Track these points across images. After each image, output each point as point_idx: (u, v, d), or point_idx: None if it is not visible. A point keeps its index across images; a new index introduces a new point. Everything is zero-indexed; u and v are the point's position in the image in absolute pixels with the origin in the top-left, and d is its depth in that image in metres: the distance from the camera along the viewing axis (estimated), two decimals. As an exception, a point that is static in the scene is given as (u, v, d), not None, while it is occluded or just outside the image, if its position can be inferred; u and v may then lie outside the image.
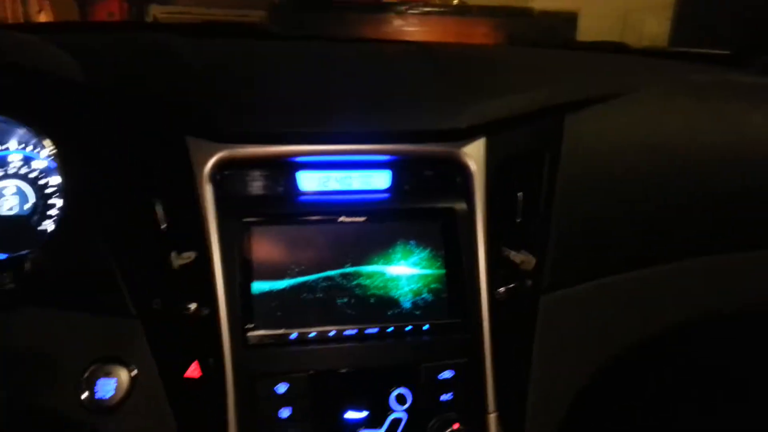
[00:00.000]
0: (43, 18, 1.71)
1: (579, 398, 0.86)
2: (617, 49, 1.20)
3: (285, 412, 0.73)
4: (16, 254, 0.66)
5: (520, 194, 0.84)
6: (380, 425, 0.76)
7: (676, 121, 0.93)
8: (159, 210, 0.73)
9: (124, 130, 0.77)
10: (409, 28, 1.28)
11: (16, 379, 0.70)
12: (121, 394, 0.71)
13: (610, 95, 0.90)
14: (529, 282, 0.83)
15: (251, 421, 0.72)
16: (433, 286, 0.79)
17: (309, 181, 0.81)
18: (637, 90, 0.92)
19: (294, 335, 0.75)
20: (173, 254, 0.72)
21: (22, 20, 1.66)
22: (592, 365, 0.88)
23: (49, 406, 0.71)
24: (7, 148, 0.85)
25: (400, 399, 0.76)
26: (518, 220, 0.84)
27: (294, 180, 0.81)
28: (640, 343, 0.91)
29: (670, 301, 0.92)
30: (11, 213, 0.84)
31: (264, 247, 0.76)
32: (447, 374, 0.78)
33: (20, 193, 0.85)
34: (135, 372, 0.72)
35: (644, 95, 0.92)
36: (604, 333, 0.88)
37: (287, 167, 0.80)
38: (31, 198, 0.84)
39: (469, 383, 0.78)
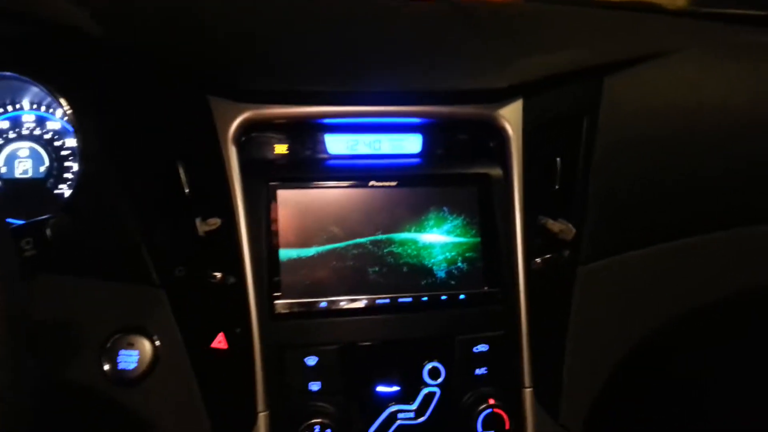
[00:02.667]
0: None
1: (615, 374, 0.83)
2: (653, 9, 1.14)
3: (315, 386, 0.71)
4: (34, 220, 0.63)
5: (558, 159, 0.80)
6: (413, 400, 0.73)
7: (716, 82, 0.88)
8: (182, 173, 0.70)
9: (144, 89, 0.73)
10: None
11: (37, 349, 0.67)
12: (144, 365, 0.68)
13: (650, 56, 0.85)
14: (567, 252, 0.79)
15: (280, 394, 0.70)
16: (467, 254, 0.75)
17: (337, 144, 0.78)
18: (676, 51, 0.87)
19: (323, 305, 0.72)
20: (198, 220, 0.68)
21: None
22: (629, 340, 0.85)
23: (70, 377, 0.68)
24: (20, 108, 0.82)
25: (434, 373, 0.74)
26: (556, 187, 0.80)
27: (322, 143, 0.77)
28: (677, 318, 0.87)
29: (711, 273, 0.88)
30: (26, 176, 0.81)
31: (291, 213, 0.73)
32: (482, 347, 0.75)
33: (35, 155, 0.82)
34: (158, 343, 0.69)
35: (683, 56, 0.88)
36: (642, 306, 0.85)
37: (315, 129, 0.77)
38: (46, 161, 0.81)
39: (504, 357, 0.75)
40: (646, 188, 0.83)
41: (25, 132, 0.82)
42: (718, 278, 0.88)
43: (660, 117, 0.84)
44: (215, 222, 0.70)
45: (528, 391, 0.76)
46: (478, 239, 0.76)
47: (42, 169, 0.81)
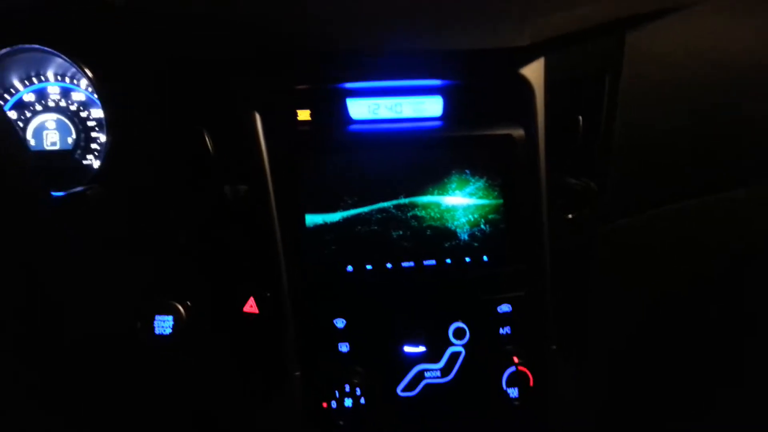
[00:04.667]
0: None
1: (638, 332, 0.84)
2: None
3: (344, 347, 0.73)
4: (72, 191, 0.64)
5: (580, 118, 0.79)
6: (439, 359, 0.75)
7: (739, 32, 0.86)
8: (208, 141, 0.71)
9: (167, 58, 0.73)
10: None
11: (78, 316, 0.70)
12: (179, 330, 0.70)
13: (672, 9, 0.83)
14: (590, 210, 0.79)
15: (311, 356, 0.72)
16: (490, 216, 0.76)
17: (359, 109, 0.78)
18: (701, 2, 0.85)
19: (350, 269, 0.74)
20: (227, 187, 0.70)
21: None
22: (652, 298, 0.85)
23: (109, 342, 0.71)
24: (45, 80, 0.83)
25: (459, 333, 0.75)
26: (579, 146, 0.79)
27: (344, 107, 0.77)
28: (700, 276, 0.87)
29: (733, 230, 0.88)
30: (54, 148, 0.83)
31: (316, 179, 0.74)
32: (506, 307, 0.76)
33: (61, 127, 0.83)
34: (192, 308, 0.71)
35: (708, 7, 0.85)
36: (665, 264, 0.85)
37: (336, 94, 0.76)
38: (73, 132, 0.82)
39: (528, 317, 0.76)
40: (668, 145, 0.82)
41: (51, 104, 0.83)
42: (739, 236, 0.88)
43: (683, 71, 0.83)
44: (243, 188, 0.71)
45: (552, 349, 0.77)
46: (501, 201, 0.76)
47: (69, 140, 0.83)
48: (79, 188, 0.64)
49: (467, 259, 0.76)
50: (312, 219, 0.73)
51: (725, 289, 0.91)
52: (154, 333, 0.70)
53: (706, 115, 0.83)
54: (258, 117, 0.71)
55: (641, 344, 0.85)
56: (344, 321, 0.73)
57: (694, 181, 0.84)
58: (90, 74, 0.73)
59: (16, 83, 0.82)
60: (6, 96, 0.82)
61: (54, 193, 0.67)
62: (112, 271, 0.71)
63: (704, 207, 0.85)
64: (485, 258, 0.76)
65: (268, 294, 0.71)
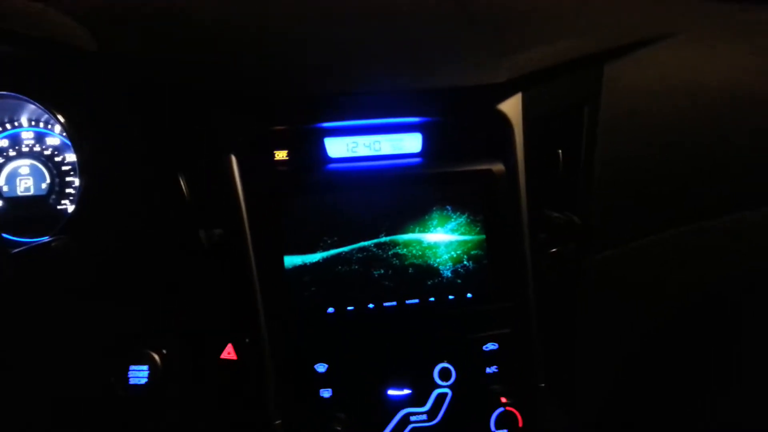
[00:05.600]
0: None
1: (628, 367, 0.82)
2: (650, -9, 1.13)
3: (326, 393, 0.71)
4: (36, 242, 0.63)
5: (560, 152, 0.79)
6: (425, 402, 0.73)
7: (717, 62, 0.87)
8: (183, 185, 0.69)
9: (141, 102, 0.72)
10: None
11: (48, 369, 0.68)
12: (154, 379, 0.68)
13: (649, 40, 0.84)
14: (574, 244, 0.78)
15: (292, 403, 0.70)
16: (473, 252, 0.75)
17: (337, 147, 0.77)
18: (678, 33, 0.86)
19: (330, 310, 0.72)
20: (201, 231, 0.68)
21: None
22: (640, 331, 0.84)
23: (82, 394, 0.69)
24: (18, 126, 0.82)
25: (444, 374, 0.73)
26: (559, 179, 0.79)
27: (321, 146, 0.76)
28: (687, 307, 0.86)
29: (718, 259, 0.87)
30: (28, 194, 0.81)
31: (294, 219, 0.72)
32: (492, 346, 0.74)
33: (35, 172, 0.81)
34: (168, 356, 0.69)
35: (686, 38, 0.86)
36: (651, 295, 0.84)
37: (313, 133, 0.76)
38: (47, 177, 0.81)
39: (515, 355, 0.75)
40: (649, 175, 0.82)
41: (24, 149, 0.82)
42: (725, 264, 0.87)
43: (662, 101, 0.83)
44: (218, 232, 0.70)
45: (540, 388, 0.75)
46: (483, 236, 0.75)
47: (44, 185, 0.81)
48: (44, 239, 0.63)
49: (450, 297, 0.74)
50: (291, 260, 0.72)
51: (713, 318, 0.90)
52: (129, 384, 0.67)
53: (686, 145, 0.83)
54: (234, 158, 0.70)
55: (630, 378, 0.83)
56: (326, 365, 0.71)
57: (676, 211, 0.84)
58: (62, 120, 0.72)
59: (-11, 129, 0.80)
60: (-22, 143, 0.80)
61: (22, 240, 0.66)
62: (83, 322, 0.69)
63: (688, 236, 0.84)
64: (469, 295, 0.75)
65: (247, 340, 0.69)
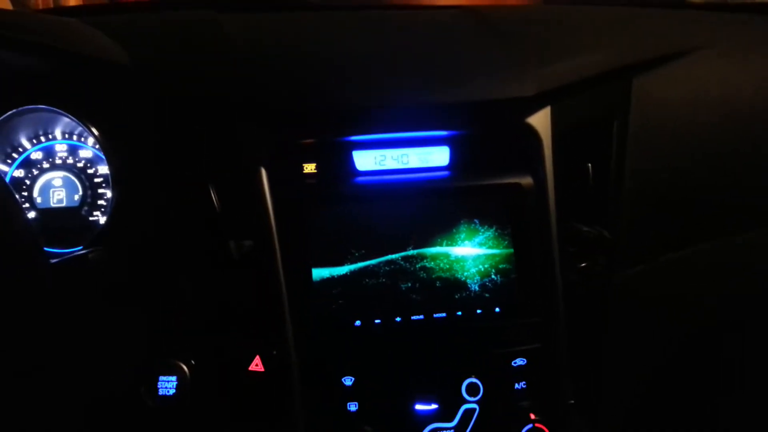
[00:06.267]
0: (72, 1, 1.67)
1: (653, 381, 0.81)
2: (677, 4, 1.12)
3: (353, 406, 0.70)
4: (71, 254, 0.63)
5: (589, 165, 0.78)
6: (452, 418, 0.72)
7: (747, 75, 0.86)
8: (214, 197, 0.70)
9: (171, 114, 0.73)
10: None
11: (80, 377, 0.68)
12: (183, 390, 0.68)
13: (678, 54, 0.83)
14: (604, 259, 0.77)
15: (319, 416, 0.69)
16: (501, 266, 0.74)
17: (365, 160, 0.77)
18: (705, 47, 0.85)
19: (358, 323, 0.72)
20: (231, 243, 0.69)
21: (51, 5, 1.62)
22: (667, 345, 0.83)
23: (112, 403, 0.69)
24: (52, 138, 0.83)
25: (472, 389, 0.73)
26: (589, 193, 0.78)
27: (350, 159, 0.76)
28: (716, 322, 0.85)
29: (748, 274, 0.86)
30: (61, 205, 0.82)
31: (322, 232, 0.73)
32: (520, 361, 0.73)
33: (68, 184, 0.83)
34: (196, 368, 0.69)
35: (714, 51, 0.85)
36: (681, 310, 0.83)
37: (342, 146, 0.76)
38: (80, 189, 0.82)
39: (543, 370, 0.74)
40: (679, 189, 0.81)
41: (58, 161, 0.83)
42: (757, 279, 0.85)
43: (692, 114, 0.82)
44: (248, 244, 0.70)
45: (569, 405, 0.74)
46: (512, 250, 0.75)
47: (76, 197, 0.82)
48: (80, 250, 0.64)
49: (478, 311, 0.74)
50: (319, 273, 0.72)
51: (742, 333, 0.89)
52: (158, 394, 0.68)
53: (717, 158, 0.83)
54: (264, 171, 0.71)
55: (655, 393, 0.82)
56: (352, 379, 0.70)
57: (707, 225, 0.83)
58: (95, 132, 0.74)
59: (24, 142, 0.82)
60: (14, 155, 0.82)
61: (55, 251, 0.67)
62: (115, 331, 0.69)
63: (719, 250, 0.83)
64: (497, 309, 0.74)
65: (274, 352, 0.69)
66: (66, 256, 0.64)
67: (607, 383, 0.78)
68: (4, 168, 0.81)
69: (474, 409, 0.72)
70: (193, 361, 0.70)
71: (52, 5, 1.64)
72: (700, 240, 0.82)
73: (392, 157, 0.78)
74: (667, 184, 0.81)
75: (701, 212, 0.83)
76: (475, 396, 0.72)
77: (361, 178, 0.76)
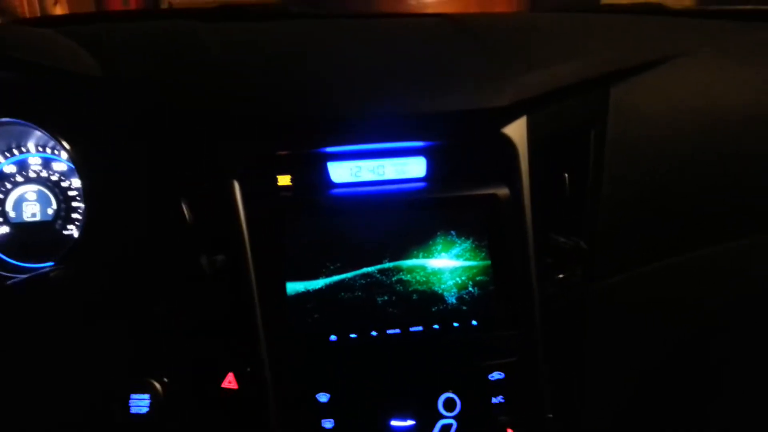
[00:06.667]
0: (59, 10, 1.67)
1: (636, 391, 0.81)
2: (656, 10, 1.12)
3: (328, 423, 0.69)
4: (40, 265, 0.63)
5: (566, 175, 0.78)
6: None
7: (727, 83, 0.86)
8: (185, 210, 0.69)
9: (144, 126, 0.73)
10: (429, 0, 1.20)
11: (47, 395, 0.67)
12: (155, 408, 0.67)
13: (657, 61, 0.83)
14: (581, 270, 0.77)
15: None
16: (478, 278, 0.74)
17: (340, 172, 0.77)
18: (685, 54, 0.85)
19: (333, 338, 0.71)
20: (203, 257, 0.68)
21: (38, 14, 1.62)
22: (655, 352, 0.83)
23: (82, 423, 0.68)
24: (26, 151, 0.82)
25: (449, 404, 0.72)
26: (565, 204, 0.78)
27: (325, 171, 0.76)
28: (698, 331, 0.85)
29: (728, 283, 0.86)
30: (34, 219, 0.81)
31: (297, 245, 0.72)
32: (498, 375, 0.73)
33: (42, 198, 0.82)
34: (169, 385, 0.68)
35: (693, 59, 0.85)
36: (661, 321, 0.82)
37: (317, 158, 0.75)
38: (54, 202, 0.82)
39: (521, 384, 0.73)
40: (658, 199, 0.81)
41: (32, 175, 0.82)
42: (738, 288, 0.85)
43: (670, 124, 0.82)
44: (220, 258, 0.69)
45: (548, 419, 0.74)
46: (489, 262, 0.74)
47: (50, 211, 0.81)
48: (41, 270, 0.63)
49: (455, 324, 0.73)
50: (293, 287, 0.71)
51: (725, 342, 0.89)
52: (130, 412, 0.67)
53: (697, 167, 0.82)
54: (237, 183, 0.70)
55: (646, 400, 0.81)
56: (328, 395, 0.70)
57: (687, 235, 0.82)
58: (67, 146, 0.73)
59: (-4, 155, 0.81)
60: (-15, 168, 0.81)
61: (28, 266, 0.66)
62: (83, 349, 0.69)
63: (699, 260, 0.83)
64: (474, 322, 0.73)
65: (248, 369, 0.68)
66: (25, 276, 0.63)
67: (590, 393, 0.78)
68: (-25, 182, 0.80)
69: (450, 425, 0.72)
70: (165, 379, 0.69)
71: (39, 14, 1.64)
72: (680, 250, 0.82)
73: (368, 168, 0.77)
74: (646, 194, 0.81)
75: (680, 223, 0.83)
76: (452, 411, 0.72)
77: (336, 190, 0.75)
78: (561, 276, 0.77)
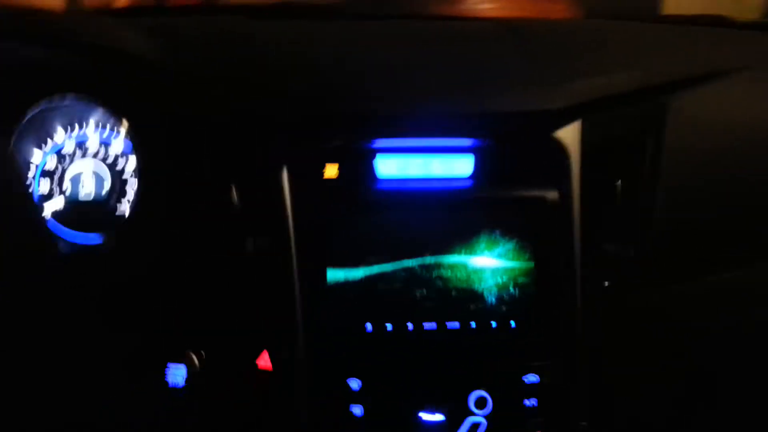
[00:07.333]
0: (121, 3, 1.74)
1: (673, 408, 0.78)
2: (716, 22, 1.09)
3: (357, 409, 0.69)
4: (80, 245, 0.65)
5: (618, 183, 0.77)
6: (457, 430, 0.71)
7: None
8: (234, 195, 0.71)
9: (199, 113, 0.75)
10: (485, 5, 1.21)
11: (86, 366, 0.69)
12: (192, 381, 0.68)
13: (716, 73, 0.81)
14: (627, 278, 0.75)
15: (323, 416, 0.69)
16: (520, 280, 0.73)
17: (387, 166, 0.77)
18: (745, 67, 0.82)
19: (369, 327, 0.71)
20: (249, 240, 0.69)
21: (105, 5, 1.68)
22: (689, 372, 0.80)
23: (121, 393, 0.70)
24: (86, 128, 0.85)
25: (480, 402, 0.71)
26: (616, 211, 0.76)
27: (372, 165, 0.76)
28: (739, 347, 0.82)
29: None
30: (89, 198, 0.84)
31: (340, 234, 0.72)
32: (532, 378, 0.72)
33: (98, 176, 0.85)
34: (206, 360, 0.70)
35: (756, 73, 0.83)
36: (704, 336, 0.80)
37: (365, 152, 0.76)
38: (109, 180, 0.84)
39: (556, 389, 0.72)
40: (712, 213, 0.79)
41: (89, 152, 0.85)
42: None
43: (729, 138, 0.80)
44: (265, 242, 0.71)
45: (582, 426, 0.72)
46: (532, 264, 0.73)
47: (105, 188, 0.84)
48: (93, 240, 0.65)
49: (493, 324, 0.72)
50: (333, 275, 0.71)
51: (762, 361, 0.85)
52: (167, 384, 0.68)
53: (754, 184, 0.80)
54: (286, 171, 0.71)
55: (674, 420, 0.79)
56: (359, 382, 0.70)
57: (737, 253, 0.80)
58: (127, 124, 0.75)
59: (58, 131, 0.84)
60: (48, 143, 0.84)
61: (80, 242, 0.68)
62: (124, 323, 0.71)
63: (746, 279, 0.80)
64: (512, 323, 0.72)
65: (283, 349, 0.69)
66: (75, 243, 0.65)
67: (626, 406, 0.76)
68: (37, 156, 0.83)
69: (480, 423, 0.71)
70: (204, 353, 0.70)
71: (105, 5, 1.70)
72: (730, 266, 0.79)
73: (415, 164, 0.77)
74: (700, 208, 0.79)
75: (733, 238, 0.80)
76: (482, 410, 0.71)
77: (382, 184, 0.76)
78: (607, 284, 0.75)
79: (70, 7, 1.16)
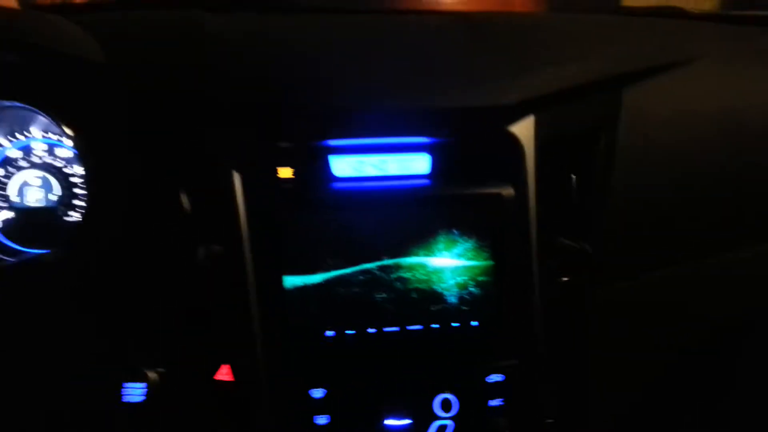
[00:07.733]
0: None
1: (640, 400, 0.79)
2: (672, 14, 1.10)
3: (321, 419, 0.68)
4: (28, 257, 0.62)
5: (574, 177, 0.76)
6: None
7: (742, 88, 0.83)
8: (185, 200, 0.69)
9: (146, 115, 0.72)
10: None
11: (41, 382, 0.67)
12: (150, 397, 0.67)
13: (671, 64, 0.81)
14: (585, 274, 0.75)
15: (286, 428, 0.68)
16: (479, 278, 0.72)
17: (342, 166, 0.76)
18: (700, 57, 0.83)
19: (329, 334, 0.70)
20: (201, 248, 0.67)
21: (58, 1, 1.63)
22: (653, 363, 0.81)
23: (76, 410, 0.68)
24: (31, 136, 0.82)
25: (446, 405, 0.71)
26: (572, 206, 0.76)
27: (327, 165, 0.75)
28: (706, 337, 0.83)
29: (735, 292, 0.83)
30: (38, 205, 0.81)
31: (296, 238, 0.71)
32: (497, 377, 0.71)
33: (46, 183, 0.82)
34: (164, 375, 0.68)
35: (707, 63, 0.83)
36: (667, 326, 0.81)
37: (319, 151, 0.74)
38: (57, 188, 0.81)
39: (521, 387, 0.72)
40: (668, 204, 0.79)
41: (36, 160, 0.82)
42: (747, 296, 0.83)
43: (684, 129, 0.80)
44: (218, 249, 0.69)
45: (548, 423, 0.72)
46: (491, 262, 0.73)
47: (53, 197, 0.81)
48: (35, 253, 0.63)
49: (455, 324, 0.72)
50: (291, 281, 0.70)
51: (732, 349, 0.87)
52: (122, 401, 0.66)
53: (709, 174, 0.80)
54: (237, 175, 0.69)
55: (642, 412, 0.80)
56: (323, 391, 0.69)
57: (695, 243, 0.80)
58: (70, 132, 0.72)
59: (1, 139, 0.81)
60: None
61: (30, 251, 0.65)
62: (76, 337, 0.68)
63: (707, 267, 0.81)
64: (474, 323, 0.72)
65: (243, 361, 0.67)
66: (22, 258, 0.63)
67: (593, 398, 0.76)
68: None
69: (446, 426, 0.71)
70: (161, 368, 0.68)
71: (58, 1, 1.64)
72: (688, 258, 0.80)
73: (371, 163, 0.76)
74: (656, 199, 0.79)
75: (690, 229, 0.81)
76: (448, 412, 0.71)
77: (338, 185, 0.74)
78: (565, 279, 0.75)
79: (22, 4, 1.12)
